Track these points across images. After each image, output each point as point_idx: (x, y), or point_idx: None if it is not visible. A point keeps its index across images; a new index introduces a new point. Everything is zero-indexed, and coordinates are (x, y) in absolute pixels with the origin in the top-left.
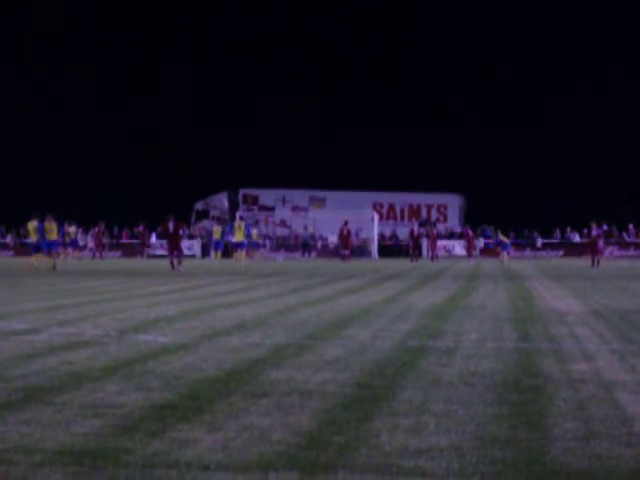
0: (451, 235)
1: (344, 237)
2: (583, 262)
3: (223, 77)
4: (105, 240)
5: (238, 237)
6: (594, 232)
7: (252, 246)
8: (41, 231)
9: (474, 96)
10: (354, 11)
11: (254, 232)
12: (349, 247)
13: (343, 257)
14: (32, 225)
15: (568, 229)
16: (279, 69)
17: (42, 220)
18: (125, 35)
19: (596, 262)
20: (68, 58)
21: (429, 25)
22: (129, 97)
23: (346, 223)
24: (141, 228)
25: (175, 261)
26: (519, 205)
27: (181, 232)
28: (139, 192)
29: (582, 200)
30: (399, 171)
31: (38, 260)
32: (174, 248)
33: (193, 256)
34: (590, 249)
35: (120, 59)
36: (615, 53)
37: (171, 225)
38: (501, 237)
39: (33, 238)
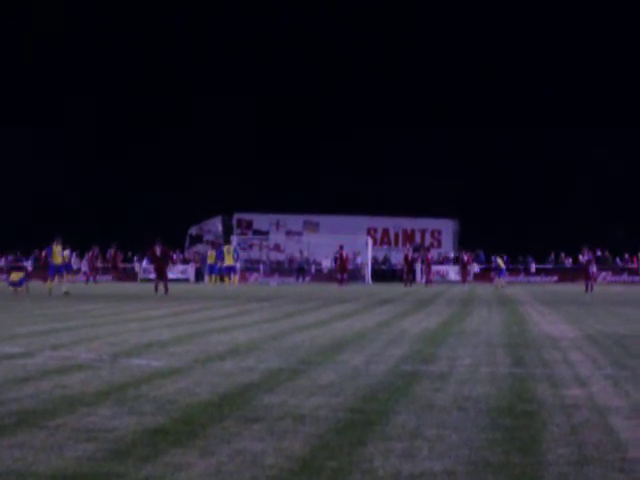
0: (447, 260)
1: (342, 261)
2: (577, 287)
3: (218, 104)
4: (99, 264)
5: (228, 261)
6: (586, 257)
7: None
8: (49, 254)
9: (469, 116)
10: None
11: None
12: (346, 271)
13: (340, 281)
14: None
15: (562, 254)
16: (276, 96)
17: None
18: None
19: (590, 287)
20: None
21: (423, 48)
22: (127, 124)
23: (341, 247)
24: (112, 250)
25: (160, 285)
26: (513, 230)
27: (174, 256)
28: (133, 217)
29: (577, 225)
30: (393, 196)
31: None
32: (160, 272)
33: (187, 280)
34: (583, 274)
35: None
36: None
37: (158, 249)
38: (499, 262)
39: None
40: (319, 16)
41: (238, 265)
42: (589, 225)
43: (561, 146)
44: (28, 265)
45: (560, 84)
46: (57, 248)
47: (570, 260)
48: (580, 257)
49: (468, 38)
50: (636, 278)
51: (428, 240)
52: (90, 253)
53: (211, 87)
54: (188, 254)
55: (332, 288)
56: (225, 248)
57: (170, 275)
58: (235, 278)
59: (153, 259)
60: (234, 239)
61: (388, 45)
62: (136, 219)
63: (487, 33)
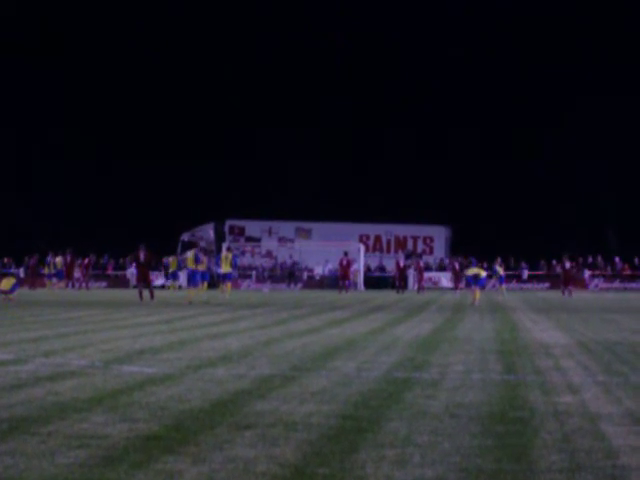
0: (443, 266)
1: (344, 268)
2: (568, 294)
3: (213, 110)
4: (82, 271)
5: (225, 268)
6: (567, 265)
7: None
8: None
9: (461, 128)
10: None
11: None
12: (348, 278)
13: (341, 288)
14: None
15: (554, 261)
16: (268, 102)
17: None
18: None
19: (567, 292)
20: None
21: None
22: (118, 129)
23: (346, 254)
24: (68, 257)
25: (146, 292)
26: (505, 237)
27: (166, 262)
28: (125, 223)
29: (569, 232)
30: (385, 202)
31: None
32: (143, 278)
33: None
34: (564, 281)
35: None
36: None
37: (142, 255)
38: (498, 269)
39: (193, 267)
40: (309, 52)
41: (235, 273)
42: (581, 232)
43: (553, 151)
44: (19, 272)
45: (545, 89)
46: (192, 255)
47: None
48: (567, 264)
49: (457, 40)
50: (628, 285)
51: (420, 247)
52: (85, 260)
53: (200, 117)
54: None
55: (327, 295)
56: (223, 255)
57: (164, 282)
58: (229, 285)
59: (137, 265)
60: (225, 246)
61: (374, 77)
62: (128, 226)
63: (478, 34)
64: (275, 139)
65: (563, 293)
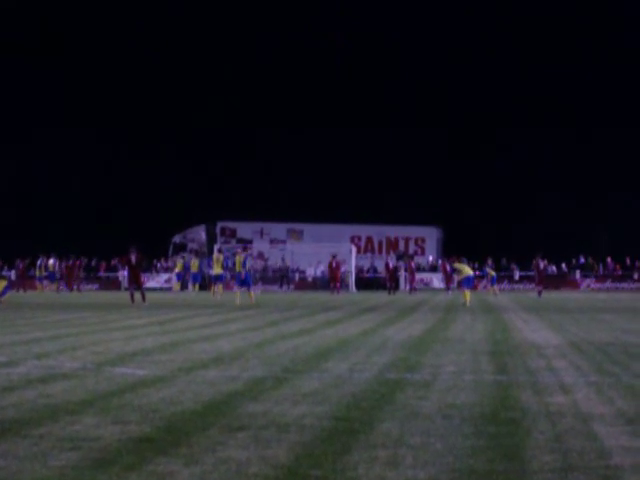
0: (436, 267)
1: (333, 270)
2: (559, 295)
3: (207, 111)
4: (75, 272)
5: (217, 270)
6: (541, 265)
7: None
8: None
9: (452, 122)
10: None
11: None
12: (338, 280)
13: (332, 290)
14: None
15: (545, 262)
16: (264, 103)
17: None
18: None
19: (538, 292)
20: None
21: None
22: (112, 129)
23: (334, 256)
24: (70, 262)
25: (137, 294)
26: (496, 238)
27: (158, 264)
28: (117, 225)
29: (559, 232)
30: (377, 203)
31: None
32: (135, 281)
33: (170, 289)
34: (538, 281)
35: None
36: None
37: (133, 257)
38: (488, 270)
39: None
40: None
41: (227, 274)
42: (573, 232)
43: (544, 150)
44: (11, 275)
45: (538, 86)
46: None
47: (553, 267)
48: (541, 264)
49: (457, 40)
50: (620, 285)
51: (412, 248)
52: (78, 262)
53: (191, 119)
54: (171, 261)
55: (319, 296)
56: (215, 256)
57: (154, 284)
58: (220, 286)
59: (128, 267)
60: (216, 247)
61: (370, 78)
62: (119, 228)
63: (478, 34)
64: (268, 140)
65: (539, 294)
